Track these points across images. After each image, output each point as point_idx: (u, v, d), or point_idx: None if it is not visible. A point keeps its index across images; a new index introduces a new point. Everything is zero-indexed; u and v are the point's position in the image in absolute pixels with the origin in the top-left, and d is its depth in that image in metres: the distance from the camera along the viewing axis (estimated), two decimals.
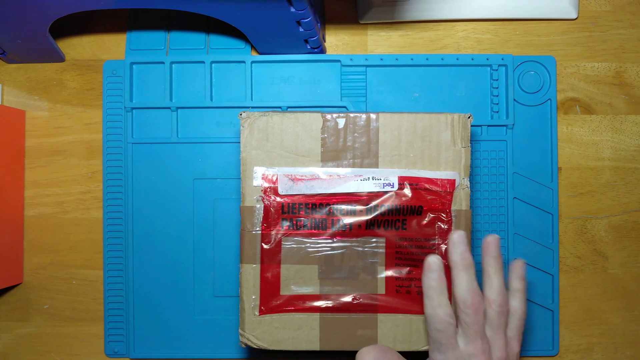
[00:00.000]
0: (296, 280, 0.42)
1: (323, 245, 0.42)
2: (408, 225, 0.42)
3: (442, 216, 0.41)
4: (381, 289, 0.42)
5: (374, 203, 0.41)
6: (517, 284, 0.41)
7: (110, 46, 0.53)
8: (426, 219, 0.42)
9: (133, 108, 0.52)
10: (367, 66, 0.51)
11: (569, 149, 0.52)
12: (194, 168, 0.51)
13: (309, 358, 0.52)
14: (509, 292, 0.40)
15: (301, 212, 0.41)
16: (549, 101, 0.51)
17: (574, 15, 0.52)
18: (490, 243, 0.39)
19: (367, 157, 0.42)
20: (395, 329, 0.42)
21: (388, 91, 0.51)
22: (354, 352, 0.41)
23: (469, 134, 0.42)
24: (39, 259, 0.53)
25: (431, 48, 0.53)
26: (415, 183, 0.41)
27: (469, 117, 0.42)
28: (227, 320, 0.51)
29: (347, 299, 0.42)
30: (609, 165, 0.52)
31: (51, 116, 0.53)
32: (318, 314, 0.42)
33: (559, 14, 0.52)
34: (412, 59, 0.51)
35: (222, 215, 0.51)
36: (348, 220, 0.41)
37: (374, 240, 0.42)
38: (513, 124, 0.51)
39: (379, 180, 0.41)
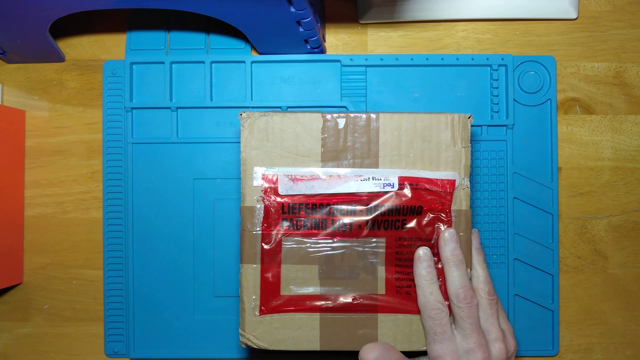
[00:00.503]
0: (296, 281, 0.42)
1: (323, 245, 0.41)
2: (408, 226, 0.42)
3: (442, 216, 0.41)
4: (381, 289, 0.42)
5: (374, 203, 0.41)
6: (475, 254, 0.42)
7: (110, 46, 0.53)
8: (426, 219, 0.41)
9: (133, 108, 0.52)
10: (367, 66, 0.51)
11: (569, 149, 0.52)
12: (194, 168, 0.51)
13: (309, 358, 0.52)
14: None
15: (301, 212, 0.41)
16: (549, 101, 0.51)
17: (574, 15, 0.52)
18: (454, 237, 0.41)
19: (367, 157, 0.42)
20: (395, 329, 0.42)
21: (388, 91, 0.51)
22: (354, 352, 0.41)
23: (469, 134, 0.42)
24: (39, 259, 0.53)
25: (431, 48, 0.53)
26: (415, 183, 0.41)
27: (469, 117, 0.42)
28: (227, 320, 0.51)
29: (347, 299, 0.42)
30: (609, 165, 0.52)
31: (51, 116, 0.53)
32: (318, 314, 0.42)
33: (559, 14, 0.52)
34: (412, 59, 0.51)
35: (222, 215, 0.51)
36: (348, 220, 0.41)
37: (374, 240, 0.42)
38: (513, 124, 0.51)
39: (379, 181, 0.41)
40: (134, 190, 0.51)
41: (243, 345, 0.42)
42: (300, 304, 0.42)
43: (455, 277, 0.40)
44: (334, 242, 0.42)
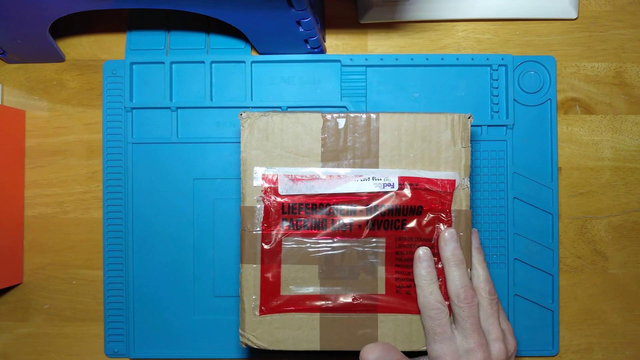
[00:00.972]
0: (296, 281, 0.42)
1: (323, 245, 0.41)
2: (408, 226, 0.42)
3: (442, 216, 0.41)
4: (381, 289, 0.42)
5: (374, 203, 0.41)
6: (475, 254, 0.42)
7: (110, 46, 0.53)
8: (426, 219, 0.42)
9: (133, 108, 0.52)
10: (367, 66, 0.51)
11: (569, 149, 0.52)
12: (194, 168, 0.51)
13: (309, 358, 0.52)
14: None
15: (301, 212, 0.41)
16: (549, 101, 0.51)
17: (574, 15, 0.52)
18: (454, 237, 0.41)
19: (367, 157, 0.42)
20: (396, 329, 0.42)
21: (388, 91, 0.51)
22: (354, 352, 0.41)
23: (469, 134, 0.42)
24: (39, 259, 0.53)
25: (431, 48, 0.53)
26: (415, 183, 0.41)
27: (469, 117, 0.42)
28: (227, 320, 0.51)
29: (347, 299, 0.42)
30: (609, 165, 0.52)
31: (51, 116, 0.53)
32: (318, 314, 0.42)
33: (559, 14, 0.52)
34: (412, 59, 0.51)
35: (222, 215, 0.51)
36: (348, 220, 0.41)
37: (374, 240, 0.42)
38: (513, 124, 0.51)
39: (379, 181, 0.41)
40: (134, 190, 0.51)
41: (243, 345, 0.42)
42: (300, 304, 0.42)
43: (455, 276, 0.40)
44: (334, 242, 0.42)
